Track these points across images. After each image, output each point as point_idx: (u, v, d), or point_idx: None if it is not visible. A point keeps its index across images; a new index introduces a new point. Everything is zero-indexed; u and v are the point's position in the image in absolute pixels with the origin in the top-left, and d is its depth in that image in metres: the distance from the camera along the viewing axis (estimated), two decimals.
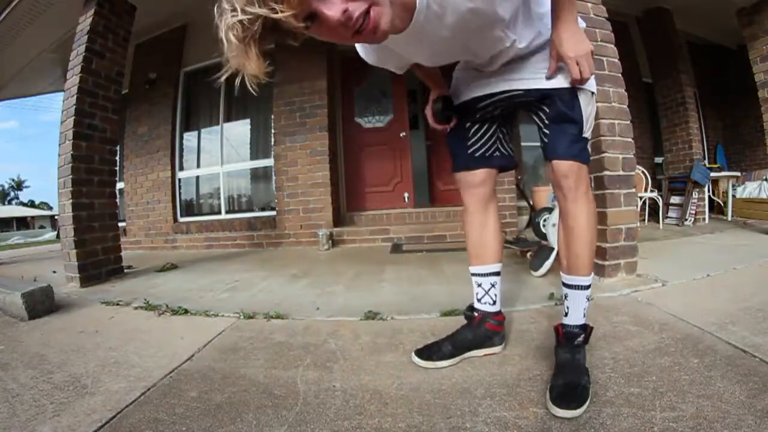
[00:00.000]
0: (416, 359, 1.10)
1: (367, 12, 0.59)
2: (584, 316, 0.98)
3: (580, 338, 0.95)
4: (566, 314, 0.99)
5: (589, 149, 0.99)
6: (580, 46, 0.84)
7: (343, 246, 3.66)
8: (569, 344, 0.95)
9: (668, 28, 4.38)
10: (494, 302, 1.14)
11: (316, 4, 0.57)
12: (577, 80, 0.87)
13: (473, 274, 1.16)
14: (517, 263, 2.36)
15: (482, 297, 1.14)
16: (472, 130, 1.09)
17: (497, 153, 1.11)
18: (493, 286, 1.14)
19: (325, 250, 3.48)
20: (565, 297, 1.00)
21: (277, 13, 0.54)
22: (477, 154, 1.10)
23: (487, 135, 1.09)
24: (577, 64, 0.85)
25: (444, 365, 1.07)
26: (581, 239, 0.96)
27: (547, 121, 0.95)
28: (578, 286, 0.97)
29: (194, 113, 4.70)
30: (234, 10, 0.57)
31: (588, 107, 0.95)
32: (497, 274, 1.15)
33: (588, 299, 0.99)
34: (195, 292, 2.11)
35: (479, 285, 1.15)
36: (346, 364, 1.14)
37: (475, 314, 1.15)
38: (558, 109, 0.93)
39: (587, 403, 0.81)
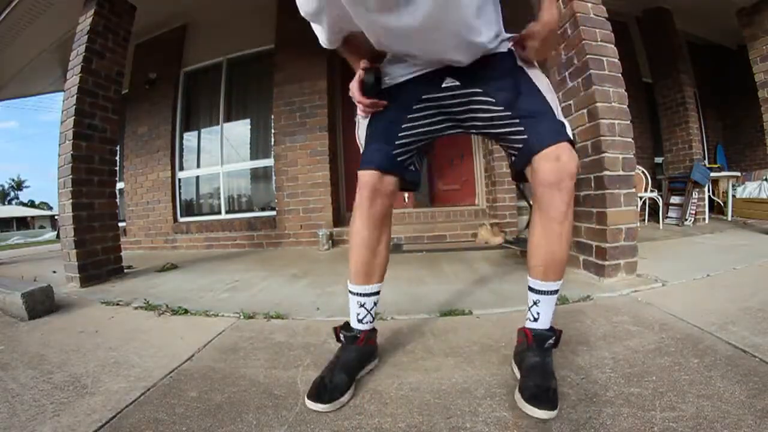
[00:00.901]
0: (313, 405, 0.88)
1: None
2: (552, 318, 0.97)
3: (551, 341, 0.94)
4: (536, 320, 0.96)
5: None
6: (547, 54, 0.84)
7: (343, 246, 3.66)
8: (539, 347, 0.93)
9: (668, 28, 4.38)
10: (373, 319, 1.07)
11: None
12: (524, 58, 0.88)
13: (356, 294, 1.03)
14: (516, 263, 2.36)
15: (364, 317, 1.04)
16: (407, 130, 0.97)
17: (412, 167, 1.02)
18: (375, 304, 1.06)
19: (325, 250, 3.48)
20: (535, 303, 0.96)
21: None
22: (399, 158, 0.97)
23: (415, 143, 0.99)
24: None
25: (346, 400, 0.91)
26: (560, 253, 0.91)
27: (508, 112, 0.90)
28: (552, 291, 0.94)
29: (194, 113, 4.70)
30: None
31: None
32: (379, 292, 1.06)
33: (556, 302, 0.97)
34: (195, 292, 2.11)
35: (362, 305, 1.03)
36: None
37: (359, 335, 1.03)
38: (511, 89, 0.91)
39: (558, 406, 0.80)
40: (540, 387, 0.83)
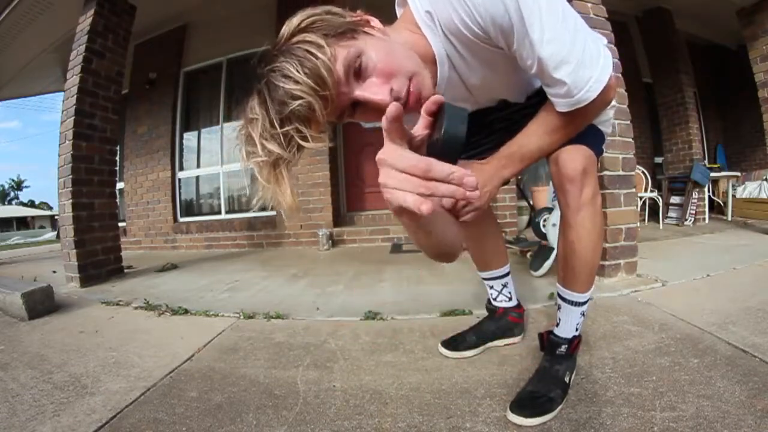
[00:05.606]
0: (443, 350, 1.14)
1: (409, 81, 0.57)
2: (577, 330, 0.92)
3: (562, 348, 0.91)
4: (557, 324, 0.95)
5: (603, 142, 0.86)
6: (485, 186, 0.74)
7: (343, 246, 3.66)
8: (550, 353, 0.92)
9: (668, 28, 4.38)
10: (510, 298, 1.19)
11: (359, 93, 0.56)
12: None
13: (483, 278, 1.19)
14: (517, 263, 2.36)
15: (497, 296, 1.19)
16: (475, 139, 0.99)
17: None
18: (504, 286, 1.18)
19: (325, 250, 3.48)
20: (559, 307, 0.94)
21: (307, 140, 0.50)
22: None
23: (487, 141, 1.01)
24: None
25: (469, 354, 1.11)
26: (580, 257, 0.84)
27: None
28: (573, 301, 0.90)
29: (194, 113, 4.70)
30: (252, 146, 0.51)
31: None
32: (507, 275, 1.17)
33: (583, 315, 0.92)
34: (195, 292, 2.11)
35: (491, 287, 1.19)
36: (346, 364, 1.14)
37: (498, 308, 1.19)
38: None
39: (548, 416, 0.78)
40: (532, 393, 0.84)
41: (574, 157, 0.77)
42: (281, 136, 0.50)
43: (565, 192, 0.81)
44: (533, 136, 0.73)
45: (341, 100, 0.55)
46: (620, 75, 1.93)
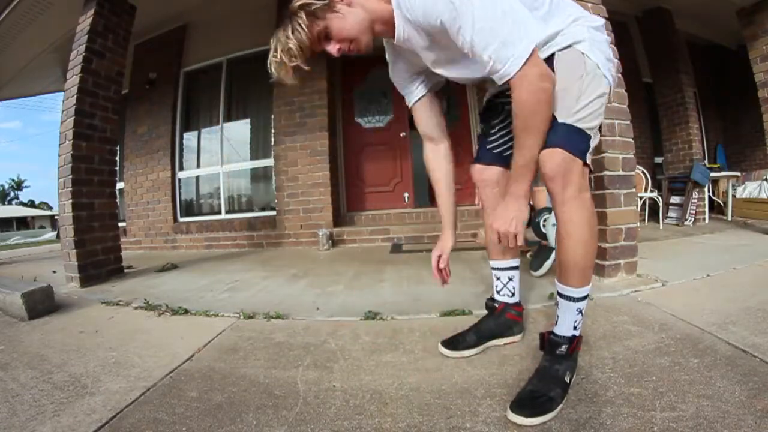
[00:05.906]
0: (443, 350, 1.14)
1: (350, 44, 0.91)
2: (576, 329, 0.92)
3: (562, 348, 0.91)
4: (556, 322, 0.95)
5: (589, 140, 0.87)
6: (503, 224, 0.87)
7: (343, 246, 3.66)
8: (550, 353, 0.92)
9: (668, 28, 4.38)
10: (513, 294, 1.20)
11: (324, 46, 0.92)
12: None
13: (492, 268, 1.21)
14: None
15: (501, 289, 1.20)
16: (497, 128, 1.13)
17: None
18: (510, 279, 1.19)
19: (325, 250, 3.48)
20: (557, 305, 0.95)
21: (297, 58, 0.87)
22: (495, 151, 1.12)
23: (509, 134, 1.08)
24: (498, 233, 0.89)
25: (469, 354, 1.12)
26: (570, 251, 0.89)
27: None
28: (568, 296, 0.91)
29: (194, 113, 4.70)
30: (275, 52, 0.88)
31: (570, 74, 0.86)
32: (515, 268, 1.19)
33: (580, 312, 0.92)
34: (195, 292, 2.11)
35: (498, 278, 1.20)
36: (346, 364, 1.14)
37: (497, 305, 1.20)
38: None
39: (548, 415, 0.78)
40: (532, 392, 0.84)
41: (551, 158, 0.85)
42: (286, 55, 0.87)
43: (549, 190, 0.89)
44: (516, 150, 0.85)
45: (316, 48, 0.92)
46: (620, 75, 1.93)
